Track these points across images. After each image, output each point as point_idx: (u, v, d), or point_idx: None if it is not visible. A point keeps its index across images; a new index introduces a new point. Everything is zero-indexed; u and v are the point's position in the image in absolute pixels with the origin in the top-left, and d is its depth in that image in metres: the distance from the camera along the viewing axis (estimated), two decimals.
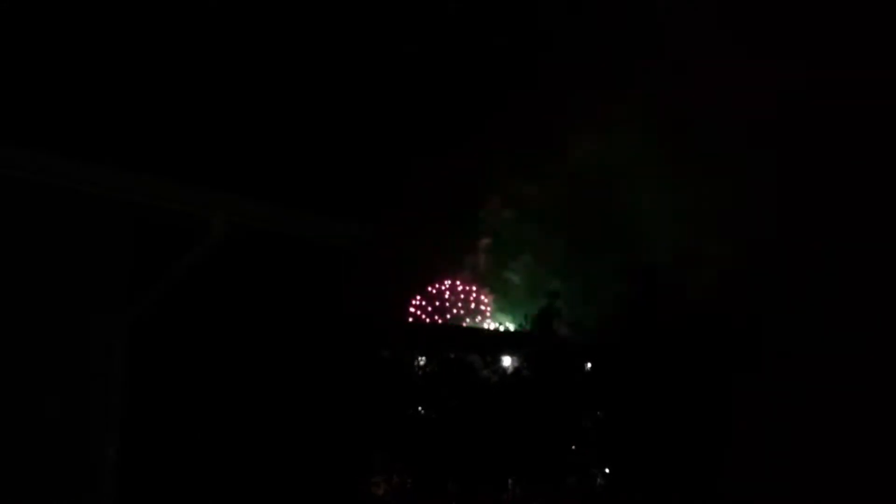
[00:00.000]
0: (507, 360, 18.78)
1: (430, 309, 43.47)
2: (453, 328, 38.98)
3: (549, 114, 40.79)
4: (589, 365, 18.17)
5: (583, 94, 38.44)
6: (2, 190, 6.36)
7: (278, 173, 8.80)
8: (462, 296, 43.75)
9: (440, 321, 42.63)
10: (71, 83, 7.60)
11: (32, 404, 6.55)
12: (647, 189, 36.88)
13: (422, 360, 18.16)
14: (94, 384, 6.81)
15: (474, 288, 44.28)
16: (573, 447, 17.39)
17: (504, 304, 43.74)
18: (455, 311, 43.51)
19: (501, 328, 37.87)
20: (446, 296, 43.86)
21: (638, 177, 37.38)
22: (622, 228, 36.58)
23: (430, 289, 44.04)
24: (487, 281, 44.69)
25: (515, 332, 20.17)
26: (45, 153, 6.31)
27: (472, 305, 43.92)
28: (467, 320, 43.17)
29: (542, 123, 41.76)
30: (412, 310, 42.93)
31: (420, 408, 17.81)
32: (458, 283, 44.15)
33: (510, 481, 17.32)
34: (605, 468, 17.58)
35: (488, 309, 43.94)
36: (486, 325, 42.08)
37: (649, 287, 16.98)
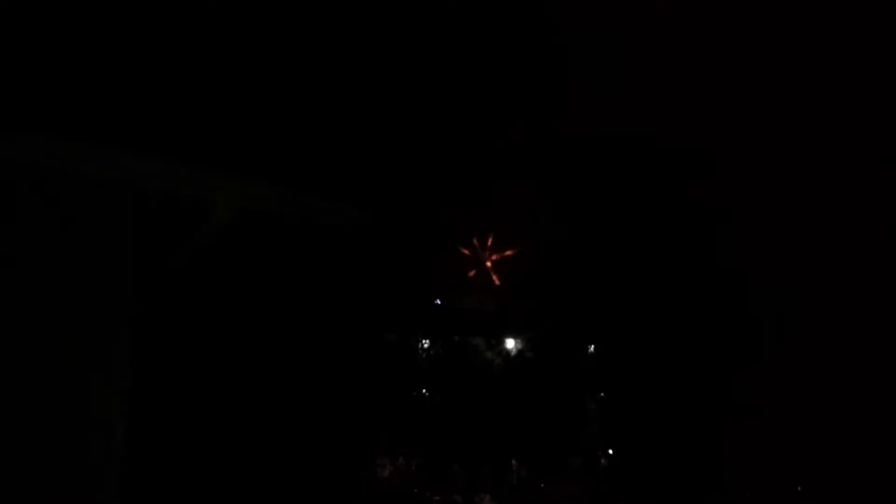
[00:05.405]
0: (510, 343, 18.83)
1: (437, 290, 43.33)
2: (457, 310, 38.88)
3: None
4: (592, 347, 18.22)
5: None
6: None
7: (283, 155, 8.76)
8: (470, 276, 43.63)
9: (445, 303, 42.51)
10: (69, 63, 7.52)
11: (32, 401, 6.46)
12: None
13: (426, 343, 18.21)
14: (96, 377, 6.73)
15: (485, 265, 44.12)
16: (576, 428, 17.45)
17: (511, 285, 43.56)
18: (462, 291, 43.39)
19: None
20: (454, 276, 43.71)
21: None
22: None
23: (437, 269, 43.92)
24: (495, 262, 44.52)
25: (519, 313, 20.17)
26: (42, 135, 6.13)
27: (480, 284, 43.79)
28: (474, 301, 43.01)
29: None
30: (418, 291, 42.81)
31: (424, 390, 17.87)
32: (465, 264, 44.01)
33: (515, 463, 17.39)
34: (608, 449, 17.62)
35: (495, 289, 43.83)
36: (491, 307, 41.95)
37: (646, 269, 16.95)
